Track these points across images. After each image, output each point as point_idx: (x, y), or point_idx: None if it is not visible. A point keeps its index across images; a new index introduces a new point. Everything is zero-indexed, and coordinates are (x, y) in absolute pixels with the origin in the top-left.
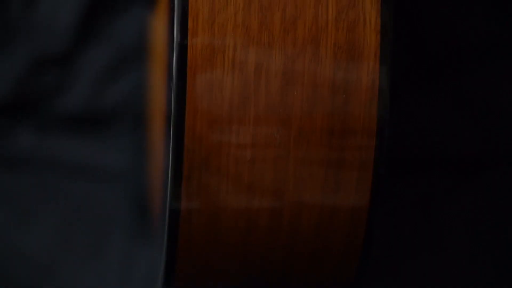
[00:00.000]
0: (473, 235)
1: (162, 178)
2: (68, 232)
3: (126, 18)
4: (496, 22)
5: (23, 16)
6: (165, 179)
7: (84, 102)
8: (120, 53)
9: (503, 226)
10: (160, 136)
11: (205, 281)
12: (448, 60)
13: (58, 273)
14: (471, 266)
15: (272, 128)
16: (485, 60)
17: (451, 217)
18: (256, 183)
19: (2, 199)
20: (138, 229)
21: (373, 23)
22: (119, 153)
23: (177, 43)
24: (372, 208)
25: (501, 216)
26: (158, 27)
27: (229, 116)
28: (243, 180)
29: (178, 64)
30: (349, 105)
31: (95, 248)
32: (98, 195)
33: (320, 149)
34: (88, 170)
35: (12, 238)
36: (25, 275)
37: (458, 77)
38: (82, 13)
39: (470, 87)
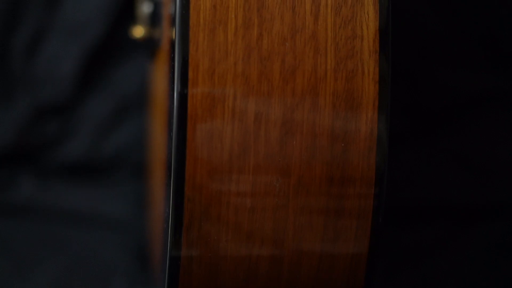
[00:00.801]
0: (467, 284)
1: (162, 226)
2: (68, 280)
3: (126, 68)
4: (492, 77)
5: (24, 65)
6: (166, 228)
7: (84, 151)
8: (121, 102)
9: (497, 277)
10: (160, 185)
11: None
12: (445, 112)
13: None
14: None
15: (272, 177)
16: (482, 112)
17: (446, 266)
18: (256, 232)
19: (2, 247)
20: (138, 278)
21: (371, 73)
22: (119, 202)
23: (177, 93)
24: (371, 256)
25: (496, 267)
26: (159, 77)
27: (229, 165)
28: (243, 229)
29: (179, 113)
30: (348, 154)
31: None
32: (99, 243)
33: (319, 197)
34: (89, 219)
35: (12, 287)
36: None
37: (455, 129)
38: (83, 62)
39: (467, 139)
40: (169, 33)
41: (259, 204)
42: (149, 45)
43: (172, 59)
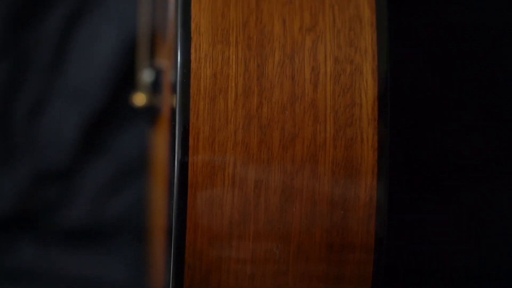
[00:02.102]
0: None
1: None
2: None
3: (127, 134)
4: (492, 140)
5: (26, 130)
6: None
7: (85, 215)
8: (121, 167)
9: None
10: (160, 250)
11: None
12: (445, 175)
13: None
14: None
15: (272, 244)
16: (482, 175)
17: None
18: None
19: None
20: None
21: (370, 140)
22: (120, 267)
23: (178, 161)
24: None
25: None
26: (159, 143)
27: (229, 232)
28: None
29: (179, 181)
30: (348, 221)
31: None
32: None
33: (319, 264)
34: (89, 283)
35: None
36: None
37: (455, 192)
38: (84, 128)
39: (467, 202)
40: (170, 101)
41: (259, 270)
42: (150, 113)
43: (173, 127)
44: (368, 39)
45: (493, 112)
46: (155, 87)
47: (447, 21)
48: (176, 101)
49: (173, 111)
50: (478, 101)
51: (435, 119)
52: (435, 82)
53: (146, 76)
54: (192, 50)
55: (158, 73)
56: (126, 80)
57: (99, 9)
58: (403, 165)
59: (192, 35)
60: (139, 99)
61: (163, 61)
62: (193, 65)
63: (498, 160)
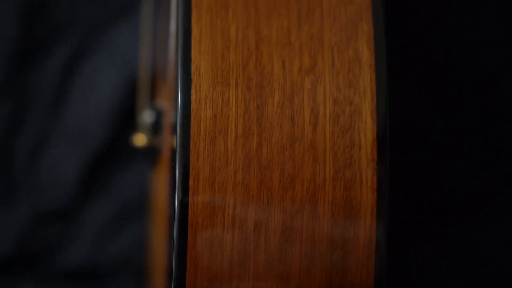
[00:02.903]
0: None
1: None
2: None
3: (128, 174)
4: (492, 175)
5: (27, 170)
6: None
7: (85, 255)
8: (122, 207)
9: None
10: None
11: None
12: (445, 210)
13: None
14: None
15: (272, 284)
16: (481, 212)
17: None
18: None
19: None
20: None
21: (369, 181)
22: None
23: (178, 201)
24: None
25: None
26: (160, 183)
27: (229, 272)
28: None
29: (179, 222)
30: (347, 261)
31: None
32: None
33: None
34: None
35: None
36: None
37: (455, 228)
38: (85, 168)
39: (466, 238)
40: (171, 141)
41: None
42: (151, 153)
43: (173, 168)
44: (367, 80)
45: (492, 149)
46: (156, 128)
47: (445, 60)
48: (176, 142)
49: (173, 152)
50: (477, 139)
51: (434, 157)
52: (433, 120)
53: (146, 116)
54: (193, 92)
55: (159, 114)
56: (127, 120)
57: (100, 50)
58: (402, 203)
59: (192, 77)
60: (140, 139)
61: (163, 102)
62: (194, 106)
63: (497, 197)
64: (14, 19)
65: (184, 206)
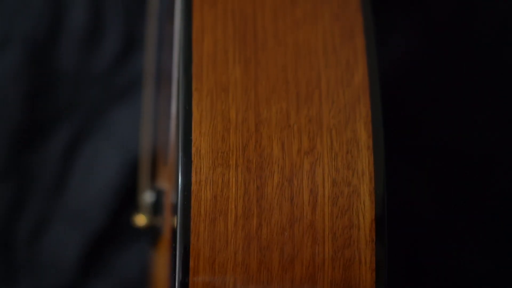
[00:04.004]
0: None
1: None
2: None
3: (128, 254)
4: (491, 259)
5: (28, 251)
6: None
7: None
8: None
9: None
10: None
11: None
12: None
13: None
14: None
15: None
16: None
17: None
18: None
19: None
20: None
21: (368, 262)
22: None
23: (179, 282)
24: None
25: None
26: (160, 264)
27: None
28: None
29: None
30: None
31: None
32: None
33: None
34: None
35: None
36: None
37: None
38: (86, 249)
39: None
40: (171, 222)
41: None
42: (151, 233)
43: (173, 248)
44: (365, 162)
45: (490, 229)
46: (156, 208)
47: (442, 142)
48: (177, 222)
49: (174, 232)
50: (474, 219)
51: (432, 237)
52: (431, 201)
53: (147, 197)
54: (193, 173)
55: (159, 195)
56: (128, 201)
57: (101, 131)
58: (401, 283)
59: (193, 159)
60: (140, 220)
61: (164, 183)
62: (194, 188)
63: (495, 278)
64: (17, 101)
65: (184, 286)
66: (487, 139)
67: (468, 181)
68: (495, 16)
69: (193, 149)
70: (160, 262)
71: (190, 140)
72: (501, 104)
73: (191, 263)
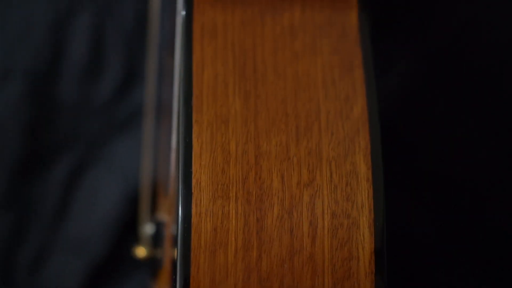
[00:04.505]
0: None
1: None
2: None
3: (128, 285)
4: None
5: (28, 281)
6: None
7: None
8: None
9: None
10: None
11: None
12: None
13: None
14: None
15: None
16: None
17: None
18: None
19: None
20: None
21: None
22: None
23: None
24: None
25: None
26: None
27: None
28: None
29: None
30: None
31: None
32: None
33: None
34: None
35: None
36: None
37: None
38: (86, 279)
39: None
40: (171, 253)
41: None
42: (151, 265)
43: (173, 280)
44: (364, 194)
45: (489, 260)
46: (157, 240)
47: (441, 172)
48: (177, 254)
49: (174, 264)
50: (474, 249)
51: (433, 268)
52: (431, 232)
53: (147, 229)
54: (193, 206)
55: (160, 226)
56: (128, 232)
57: (102, 163)
58: None
59: (193, 191)
60: (141, 251)
61: (164, 215)
62: (194, 220)
63: None
64: (18, 132)
65: None
66: (486, 168)
67: (468, 211)
68: (494, 47)
69: (193, 181)
70: None
71: (190, 172)
72: (500, 132)
73: None
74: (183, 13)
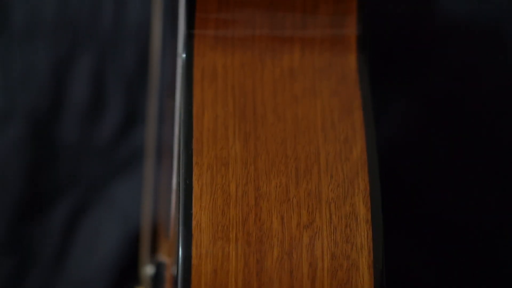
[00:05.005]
0: None
1: None
2: None
3: None
4: None
5: None
6: None
7: None
8: None
9: None
10: None
11: None
12: None
13: None
14: None
15: None
16: None
17: None
18: None
19: None
20: None
21: None
22: None
23: None
24: None
25: None
26: None
27: None
28: None
29: None
30: None
31: None
32: None
33: None
34: None
35: None
36: None
37: None
38: None
39: None
40: None
41: None
42: None
43: None
44: (363, 235)
45: None
46: (157, 282)
47: (440, 215)
48: None
49: None
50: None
51: None
52: (430, 274)
53: (148, 270)
54: (193, 247)
55: (160, 268)
56: (128, 274)
57: (102, 204)
58: None
59: (193, 233)
60: None
61: (165, 256)
62: (194, 261)
63: None
64: (19, 174)
65: None
66: (486, 211)
67: (467, 254)
68: (493, 90)
69: (194, 223)
70: None
71: (191, 214)
72: (500, 176)
73: None
74: (184, 55)
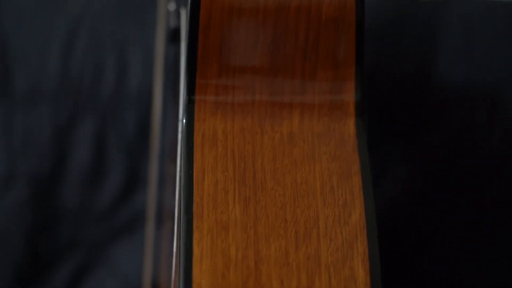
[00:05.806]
0: None
1: None
2: None
3: None
4: None
5: None
6: None
7: None
8: None
9: None
10: None
11: None
12: None
13: None
14: None
15: None
16: None
17: None
18: None
19: None
20: None
21: None
22: None
23: None
24: None
25: None
26: None
27: None
28: None
29: None
30: None
31: None
32: None
33: None
34: None
35: None
36: None
37: None
38: None
39: None
40: None
41: None
42: None
43: None
44: None
45: None
46: None
47: (441, 276)
48: None
49: None
50: None
51: None
52: None
53: None
54: None
55: None
56: None
57: (103, 267)
58: None
59: None
60: None
61: None
62: None
63: None
64: (20, 238)
65: None
66: (485, 271)
67: None
68: (490, 150)
69: (194, 286)
70: None
71: (191, 277)
72: (498, 235)
73: None
74: (184, 121)
